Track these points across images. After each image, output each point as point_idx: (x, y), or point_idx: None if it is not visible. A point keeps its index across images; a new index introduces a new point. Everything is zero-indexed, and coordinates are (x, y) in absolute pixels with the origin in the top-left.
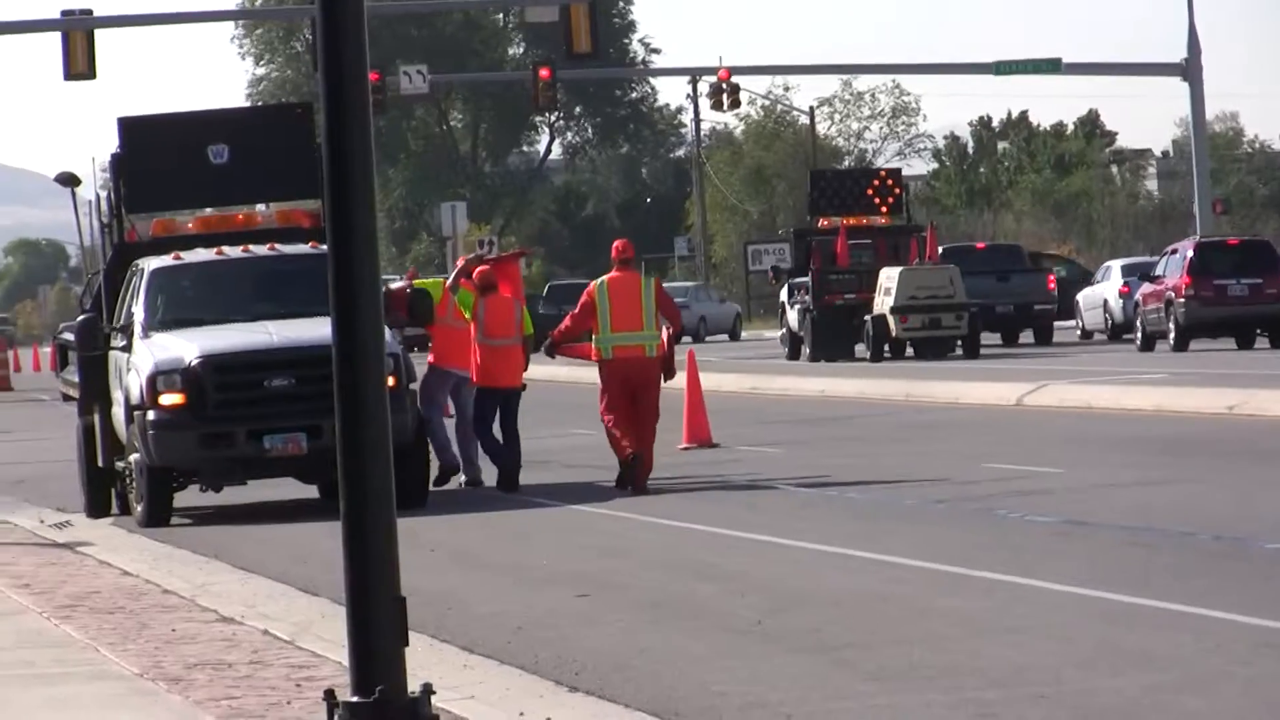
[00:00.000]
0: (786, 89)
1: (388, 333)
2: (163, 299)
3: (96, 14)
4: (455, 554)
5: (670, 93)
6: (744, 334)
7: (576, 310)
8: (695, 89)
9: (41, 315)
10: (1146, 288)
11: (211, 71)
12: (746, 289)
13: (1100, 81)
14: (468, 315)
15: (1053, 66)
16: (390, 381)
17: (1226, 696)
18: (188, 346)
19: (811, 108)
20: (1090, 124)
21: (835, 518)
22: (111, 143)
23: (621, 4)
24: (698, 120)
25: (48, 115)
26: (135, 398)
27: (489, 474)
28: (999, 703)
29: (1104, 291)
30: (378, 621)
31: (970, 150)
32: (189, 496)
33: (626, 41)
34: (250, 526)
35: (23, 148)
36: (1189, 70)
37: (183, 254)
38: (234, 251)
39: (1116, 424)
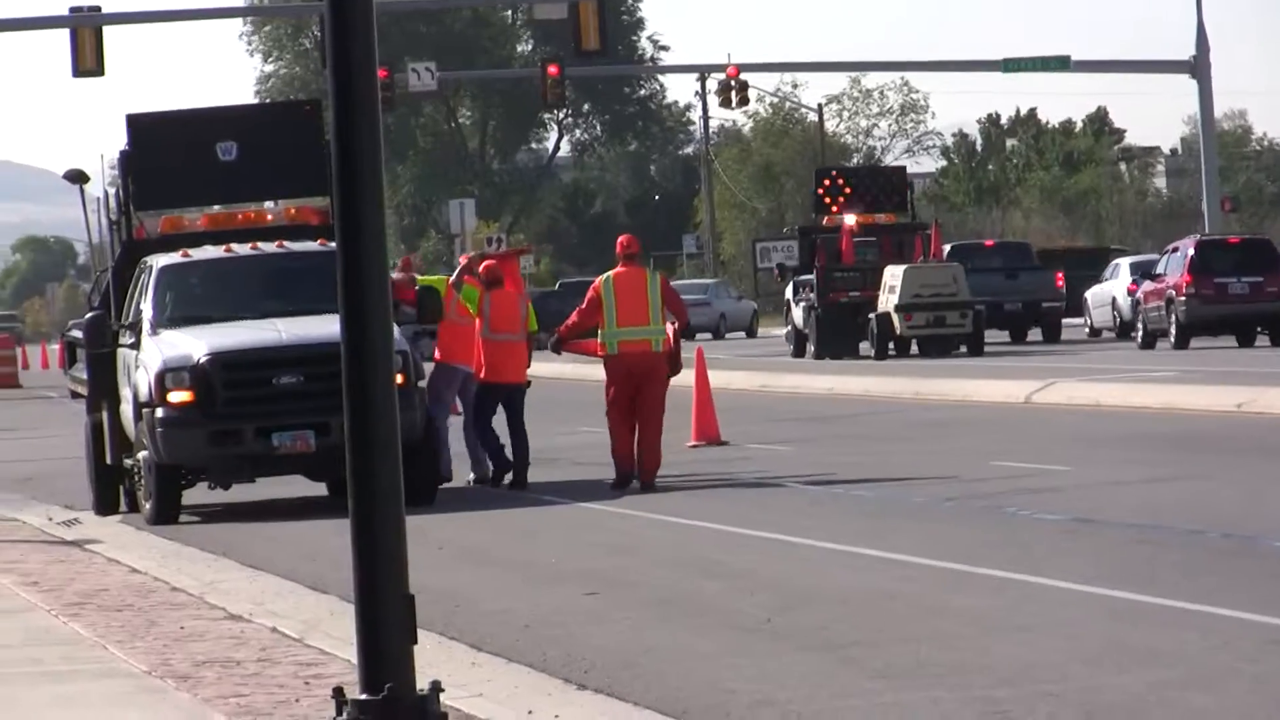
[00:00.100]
0: (795, 86)
1: (396, 329)
2: (171, 296)
3: (105, 11)
4: (464, 552)
5: (679, 90)
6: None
7: (583, 305)
8: (704, 86)
9: (49, 312)
10: (1148, 285)
11: (220, 68)
12: (755, 286)
13: (1109, 79)
14: (473, 311)
15: (1061, 64)
16: (399, 379)
17: (1234, 694)
18: (196, 344)
19: (820, 105)
20: (1099, 121)
21: (843, 515)
22: (120, 140)
23: (630, 1)
24: (706, 117)
25: (56, 112)
26: (144, 395)
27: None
28: (1007, 700)
29: (1112, 289)
30: (386, 619)
31: (979, 148)
32: (197, 494)
33: (635, 38)
34: (259, 524)
35: (31, 145)
36: (1198, 68)
37: (191, 251)
38: (242, 249)
39: (1125, 421)
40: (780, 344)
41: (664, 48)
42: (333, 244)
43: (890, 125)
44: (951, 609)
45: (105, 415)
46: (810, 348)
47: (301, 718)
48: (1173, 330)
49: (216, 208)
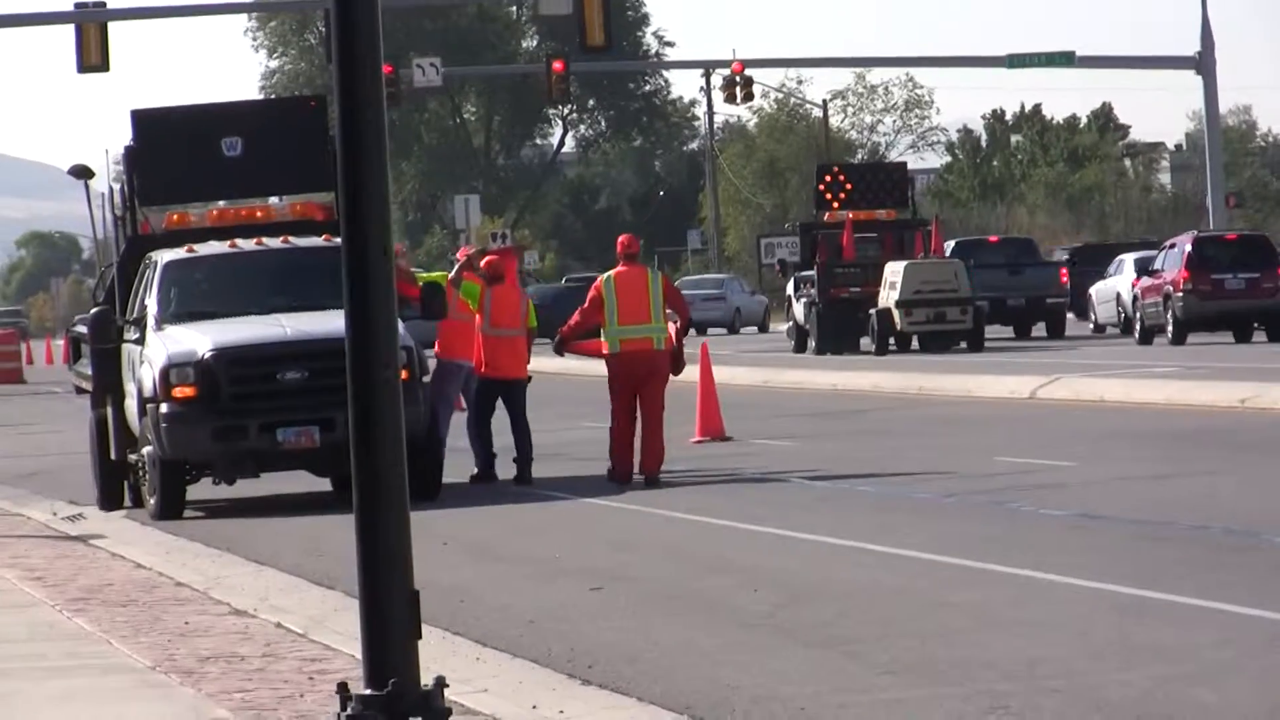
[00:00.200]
0: (800, 82)
1: (400, 324)
2: (176, 292)
3: (110, 6)
4: (468, 547)
5: (683, 86)
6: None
7: (585, 305)
8: (708, 82)
9: (54, 308)
10: (1145, 281)
11: (225, 64)
12: (760, 282)
13: (1114, 75)
14: (473, 307)
15: (1066, 60)
16: (403, 374)
17: (1239, 689)
18: (201, 339)
19: (825, 101)
20: (1103, 117)
21: (848, 511)
22: (125, 135)
23: None
24: (711, 113)
25: (61, 108)
26: (148, 390)
27: (504, 469)
28: (1012, 695)
29: (1116, 285)
30: (391, 615)
31: (983, 143)
32: (202, 489)
33: (640, 34)
34: (263, 519)
35: (36, 140)
36: (1202, 63)
37: (196, 247)
38: (247, 244)
39: (1129, 417)
40: (778, 339)
41: (669, 43)
42: (337, 240)
43: (895, 121)
44: (956, 604)
45: (110, 411)
46: (811, 343)
47: (306, 713)
48: (1170, 326)
49: (221, 203)
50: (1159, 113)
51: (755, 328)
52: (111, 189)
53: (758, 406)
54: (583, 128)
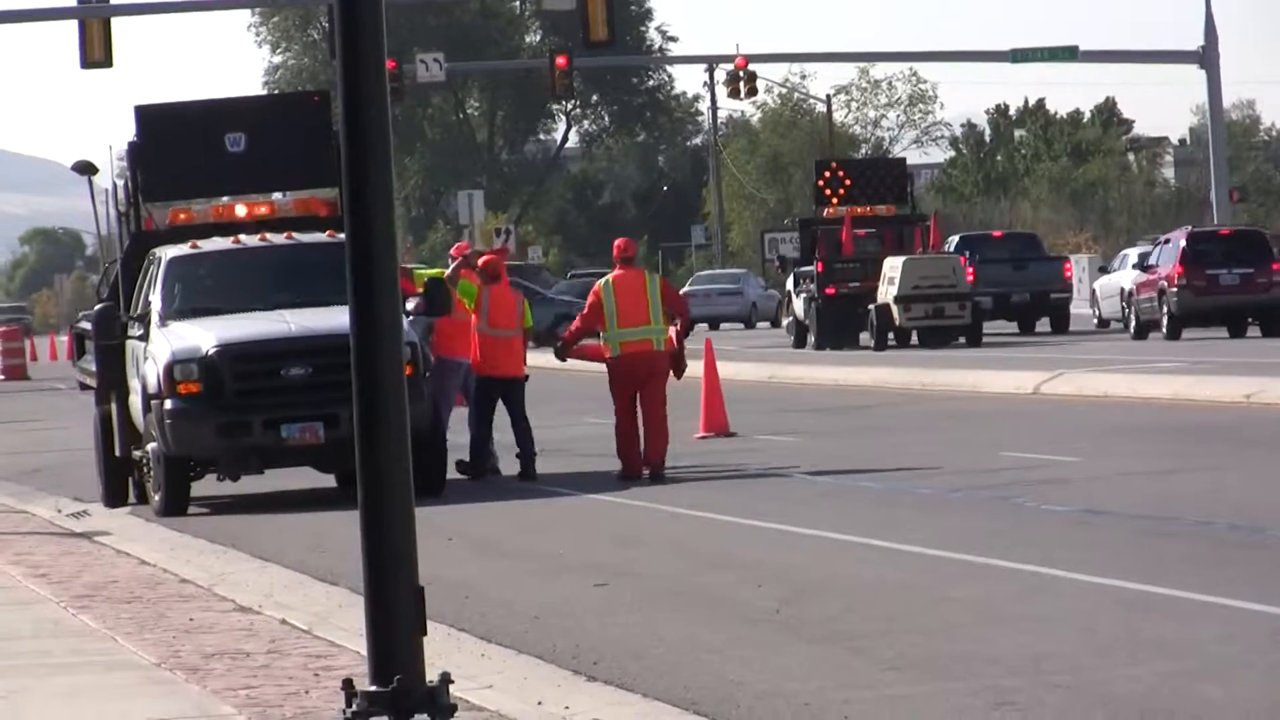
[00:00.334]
0: (803, 77)
1: (404, 320)
2: (180, 288)
3: (113, 2)
4: (473, 543)
5: (687, 81)
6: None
7: (585, 311)
8: (712, 77)
9: (58, 304)
10: (1140, 277)
11: (228, 60)
12: (764, 277)
13: (1117, 69)
14: (469, 305)
15: (1070, 54)
16: (407, 370)
17: (1245, 685)
18: (205, 335)
19: (828, 96)
20: (1107, 111)
21: (852, 507)
22: (128, 131)
23: None
24: (714, 108)
25: (65, 104)
26: (152, 387)
27: (508, 465)
28: (1017, 691)
29: (1120, 280)
30: (396, 611)
31: (987, 138)
32: (206, 486)
33: (643, 29)
34: (268, 516)
35: (40, 136)
36: (1206, 58)
37: (200, 243)
38: (251, 240)
39: (1134, 412)
40: (777, 335)
41: (672, 38)
42: (341, 235)
43: (898, 116)
44: (960, 600)
45: (114, 407)
46: (811, 338)
47: (311, 709)
48: (1165, 321)
49: (225, 199)
50: (1163, 107)
51: (768, 322)
52: (115, 185)
53: (761, 402)
54: (586, 123)
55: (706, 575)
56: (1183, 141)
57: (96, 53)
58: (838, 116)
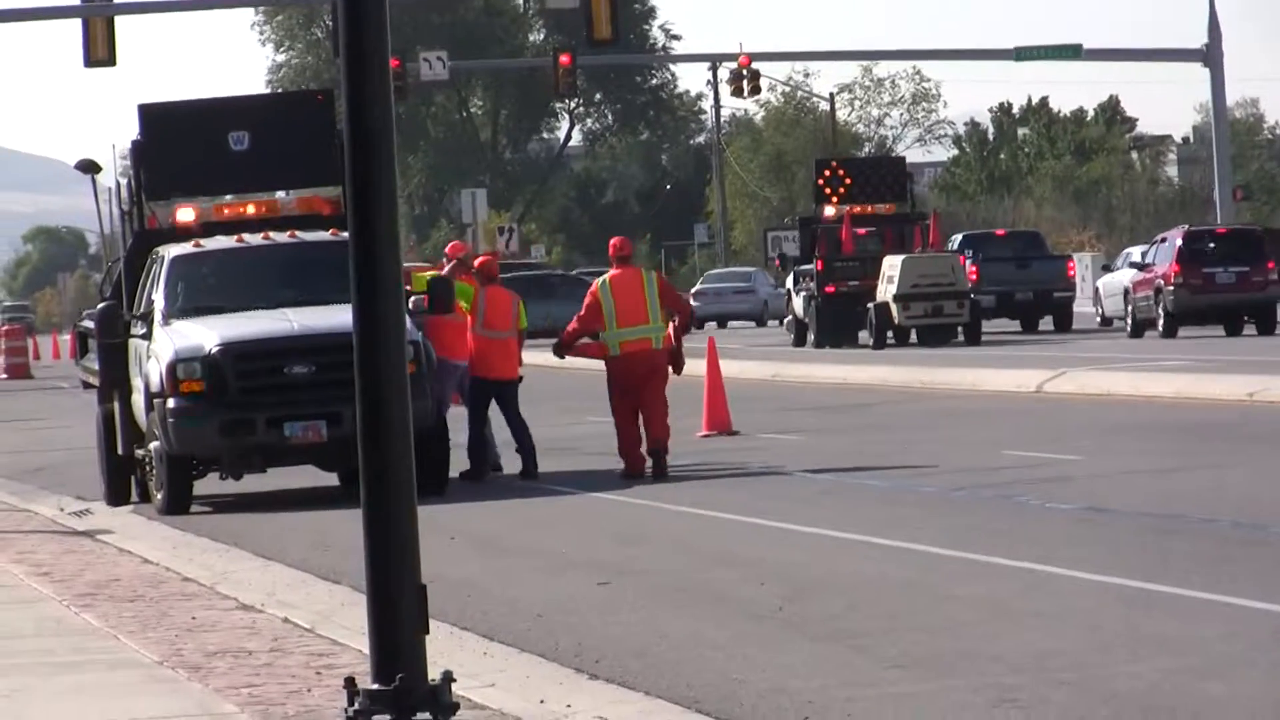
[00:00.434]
0: (807, 75)
1: (408, 319)
2: (183, 286)
3: (116, 1)
4: (475, 541)
5: (690, 79)
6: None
7: (582, 311)
8: (715, 75)
9: (61, 303)
10: (1137, 275)
11: (232, 58)
12: (772, 276)
13: (1121, 67)
14: (465, 307)
15: (1073, 52)
16: (410, 368)
17: (1248, 682)
18: (208, 334)
19: (832, 94)
20: (1111, 110)
21: (855, 505)
22: (132, 130)
23: None
24: (718, 107)
25: (68, 102)
26: (155, 385)
27: (510, 463)
28: (1020, 688)
29: (1123, 279)
30: (398, 609)
31: (990, 136)
32: (209, 484)
33: (647, 28)
34: (270, 514)
35: (43, 135)
36: (1210, 56)
37: (203, 241)
38: (254, 239)
39: (1137, 411)
40: (777, 333)
41: (675, 37)
42: (345, 234)
43: (902, 114)
44: (964, 598)
45: (117, 406)
46: (810, 336)
47: (313, 708)
48: (1161, 319)
49: (228, 197)
50: (1166, 105)
51: (779, 320)
52: (118, 183)
53: (764, 400)
54: (589, 121)
55: (709, 573)
56: (1186, 140)
57: (100, 51)
58: (841, 115)
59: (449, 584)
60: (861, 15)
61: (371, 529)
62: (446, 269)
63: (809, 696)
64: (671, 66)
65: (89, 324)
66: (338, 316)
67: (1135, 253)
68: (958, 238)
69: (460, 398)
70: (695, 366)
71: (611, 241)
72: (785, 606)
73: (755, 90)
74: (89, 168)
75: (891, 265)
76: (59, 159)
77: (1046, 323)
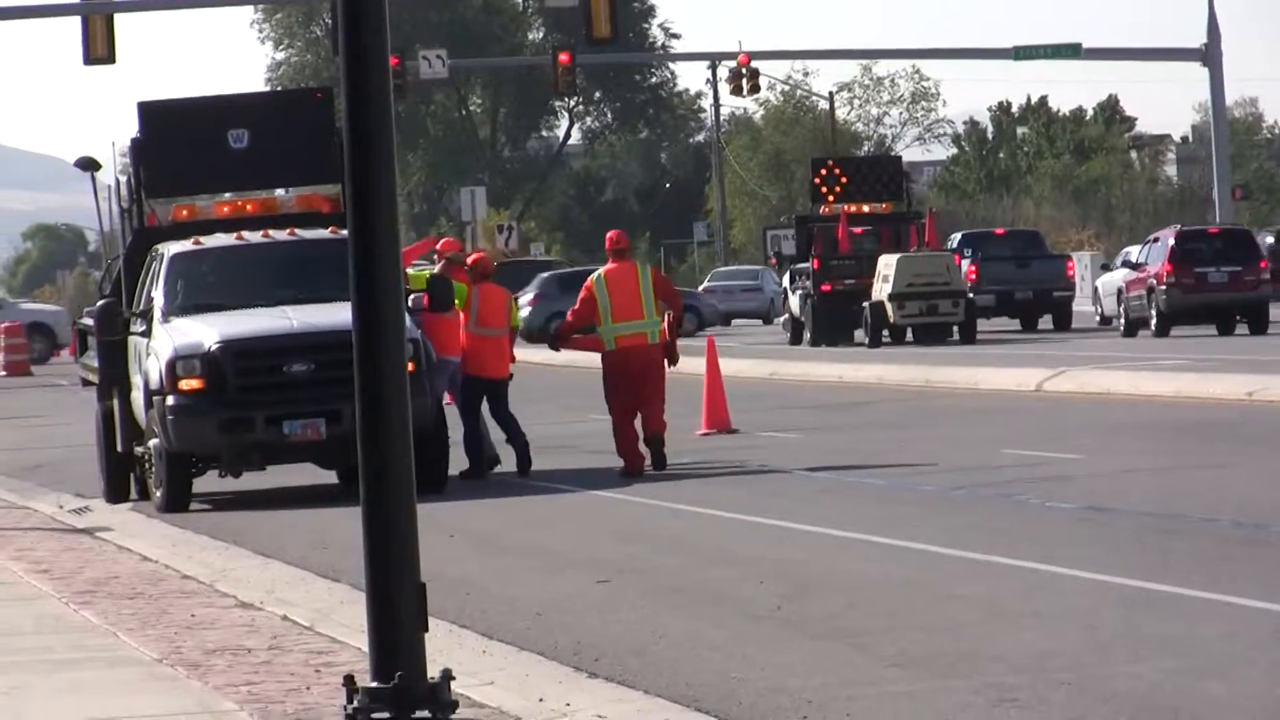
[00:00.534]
0: (806, 74)
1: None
2: (182, 284)
3: None
4: (475, 539)
5: (690, 78)
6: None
7: (577, 305)
8: (715, 74)
9: (60, 301)
10: (1129, 275)
11: (231, 56)
12: (776, 273)
13: (1120, 66)
14: (459, 305)
15: (1072, 51)
16: (409, 366)
17: (1248, 682)
18: (207, 332)
19: (831, 93)
20: (1110, 109)
21: (855, 503)
22: (131, 127)
23: None
24: (717, 105)
25: (67, 100)
26: (154, 383)
27: (506, 459)
28: (1020, 688)
29: (1119, 278)
30: (398, 607)
31: (990, 135)
32: (208, 482)
33: (646, 26)
34: (269, 512)
35: (42, 132)
36: (1209, 55)
37: (202, 239)
38: (254, 236)
39: (1136, 410)
40: (773, 331)
41: (675, 35)
42: (344, 232)
43: (901, 113)
44: (963, 597)
45: (116, 403)
46: (806, 335)
47: (312, 705)
48: (1153, 319)
49: (228, 195)
50: (1165, 105)
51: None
52: (118, 181)
53: (763, 398)
54: (589, 120)
55: (708, 572)
56: (1185, 139)
57: (99, 49)
58: (840, 114)
59: (448, 582)
60: (861, 14)
61: (371, 527)
62: (439, 266)
63: (808, 695)
64: (671, 65)
65: (89, 321)
66: (337, 314)
67: (1134, 252)
68: (957, 236)
69: (453, 396)
70: (695, 365)
71: (608, 235)
72: (784, 605)
73: (754, 89)
74: (88, 165)
75: (887, 264)
76: (58, 156)
77: (1046, 322)
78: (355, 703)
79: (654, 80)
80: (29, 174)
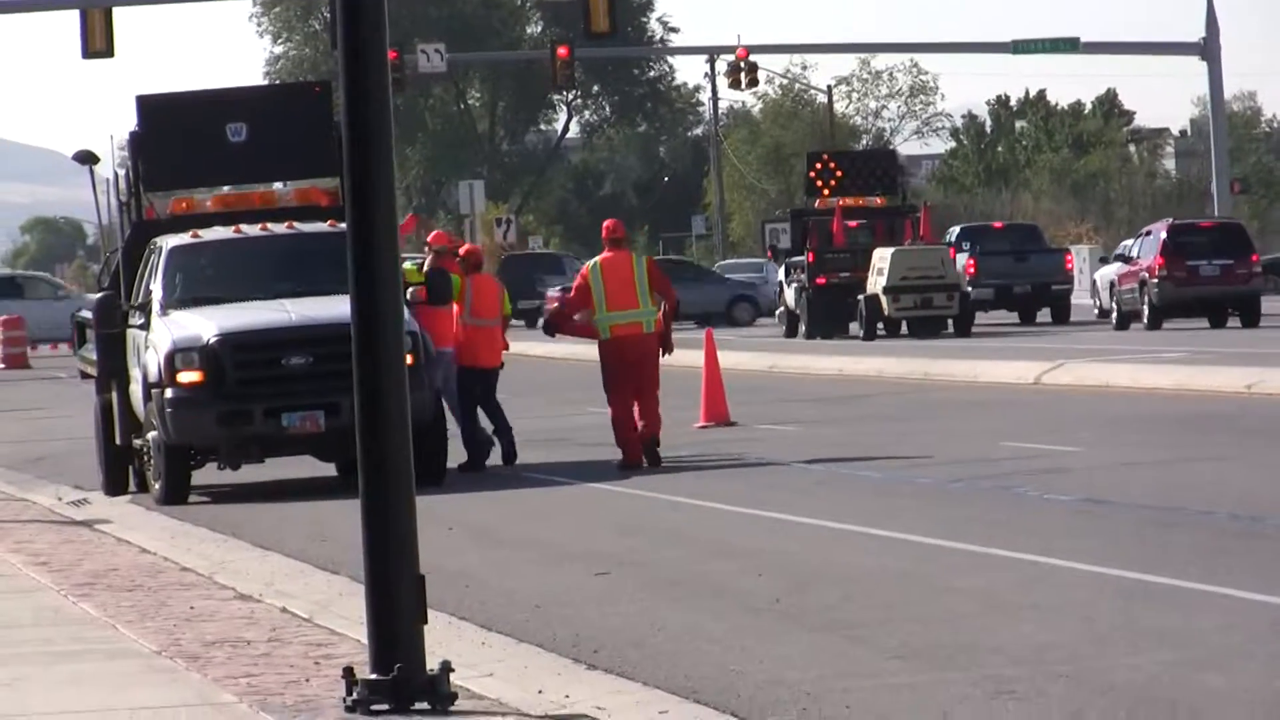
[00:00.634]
0: (804, 68)
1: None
2: (181, 277)
3: None
4: (473, 532)
5: (688, 71)
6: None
7: (572, 293)
8: (713, 68)
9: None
10: (1122, 268)
11: (229, 50)
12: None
13: (1118, 60)
14: (453, 296)
15: (1071, 45)
16: (408, 359)
17: (1246, 674)
18: (206, 324)
19: (829, 86)
20: (1108, 103)
21: (852, 496)
22: (130, 121)
23: None
24: (715, 99)
25: (66, 94)
26: (153, 375)
27: (496, 453)
28: (1018, 680)
29: (1113, 271)
30: (397, 599)
31: (988, 129)
32: (207, 474)
33: (644, 20)
34: (268, 505)
35: (41, 126)
36: (1207, 49)
37: (201, 232)
38: (252, 230)
39: (1135, 402)
40: (769, 325)
41: (673, 29)
42: (343, 225)
43: (899, 107)
44: (961, 589)
45: (115, 396)
46: (802, 328)
47: (312, 698)
48: (1146, 312)
49: (226, 189)
50: (1164, 99)
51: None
52: (116, 174)
53: (762, 391)
54: (587, 113)
55: (707, 564)
56: (1184, 133)
57: (98, 42)
58: (839, 107)
59: (447, 574)
60: (859, 8)
61: (370, 519)
62: (428, 258)
63: (806, 687)
64: (669, 59)
65: (87, 314)
66: (336, 307)
67: (1133, 246)
68: (955, 230)
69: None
70: (693, 358)
71: (604, 224)
72: (783, 597)
73: (753, 83)
74: (87, 159)
75: (881, 258)
76: (57, 150)
77: (1044, 315)
78: (355, 694)
79: (652, 74)
80: (27, 167)
